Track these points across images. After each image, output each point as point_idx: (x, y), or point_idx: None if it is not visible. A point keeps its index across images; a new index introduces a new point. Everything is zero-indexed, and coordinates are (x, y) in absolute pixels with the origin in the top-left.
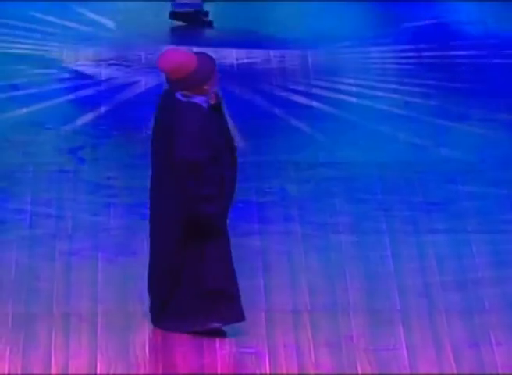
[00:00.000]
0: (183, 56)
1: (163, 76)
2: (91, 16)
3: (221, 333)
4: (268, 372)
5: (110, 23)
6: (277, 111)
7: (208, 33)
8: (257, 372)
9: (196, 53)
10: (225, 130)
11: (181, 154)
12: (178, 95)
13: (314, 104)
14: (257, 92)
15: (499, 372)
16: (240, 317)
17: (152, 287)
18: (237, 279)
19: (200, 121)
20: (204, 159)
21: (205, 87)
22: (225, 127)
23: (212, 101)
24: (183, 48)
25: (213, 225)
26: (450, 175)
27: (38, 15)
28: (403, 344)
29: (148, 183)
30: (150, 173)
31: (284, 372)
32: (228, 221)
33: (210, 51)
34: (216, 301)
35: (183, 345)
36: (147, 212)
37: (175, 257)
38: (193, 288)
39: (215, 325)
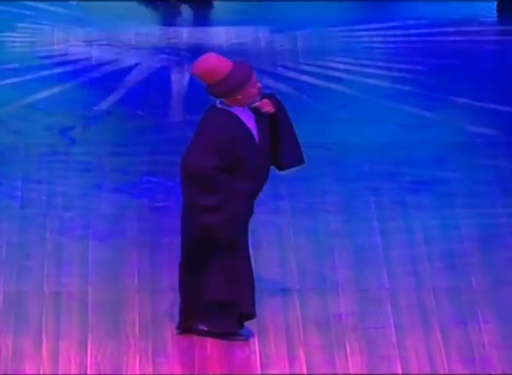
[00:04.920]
0: (216, 61)
1: (155, 58)
2: None
3: (205, 333)
4: (257, 350)
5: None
6: (266, 92)
7: (198, 13)
8: (247, 350)
9: (233, 61)
10: (262, 146)
11: (186, 159)
12: (217, 103)
13: (303, 85)
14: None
15: (486, 349)
16: (235, 328)
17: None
18: (246, 290)
19: (219, 131)
20: (207, 169)
21: (238, 97)
22: (266, 143)
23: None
24: (215, 54)
25: (216, 236)
26: (438, 155)
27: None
28: (392, 323)
29: (138, 163)
30: (141, 151)
31: (273, 350)
32: (247, 236)
33: (200, 31)
34: (214, 310)
35: (173, 323)
36: (138, 192)
37: (183, 263)
38: (193, 297)
39: (201, 326)
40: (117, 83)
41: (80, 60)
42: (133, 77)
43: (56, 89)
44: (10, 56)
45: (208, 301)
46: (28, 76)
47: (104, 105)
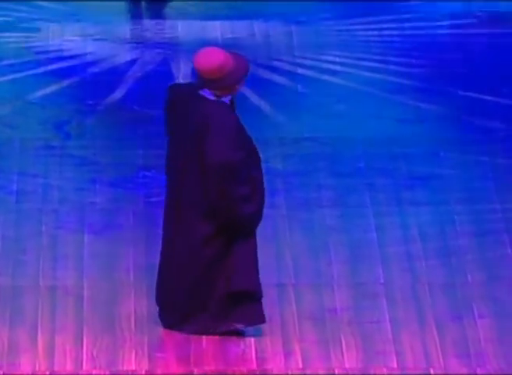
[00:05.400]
0: (221, 57)
1: (151, 52)
2: None
3: (240, 333)
4: (252, 345)
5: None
6: (262, 85)
7: (193, 7)
8: (242, 345)
9: (232, 53)
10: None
11: (218, 156)
12: (206, 94)
13: (299, 79)
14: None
15: (482, 344)
16: (262, 319)
17: (168, 292)
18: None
19: (236, 121)
20: (241, 159)
21: (237, 87)
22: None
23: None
24: (218, 48)
25: (252, 225)
26: (433, 149)
27: None
28: (387, 317)
29: (133, 158)
30: (136, 145)
31: (269, 345)
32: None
33: (195, 25)
34: (240, 302)
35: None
36: (133, 186)
37: (199, 258)
38: (218, 289)
39: (238, 326)
40: (112, 78)
41: (75, 55)
42: (129, 72)
43: (51, 84)
44: (5, 52)
45: (236, 293)
46: (23, 72)
47: (100, 99)
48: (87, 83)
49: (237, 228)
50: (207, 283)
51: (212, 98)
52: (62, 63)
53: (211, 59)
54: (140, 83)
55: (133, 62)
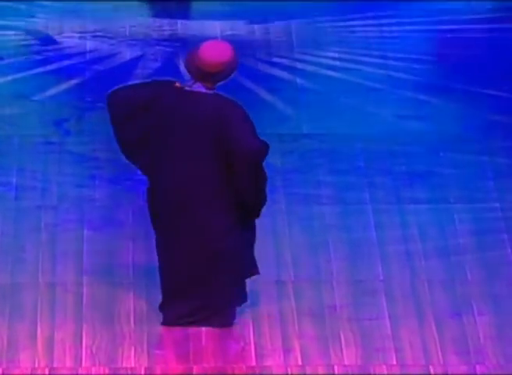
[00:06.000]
0: (230, 53)
1: (148, 49)
2: None
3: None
4: (251, 342)
5: None
6: (261, 83)
7: (192, 4)
8: (241, 342)
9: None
10: None
11: (251, 145)
12: (199, 88)
13: (298, 76)
14: (241, 64)
15: (481, 341)
16: (246, 298)
17: (187, 288)
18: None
19: (246, 111)
20: (267, 147)
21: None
22: None
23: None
24: (224, 41)
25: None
26: (433, 146)
27: None
28: (386, 314)
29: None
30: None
31: (268, 342)
32: None
33: (194, 22)
34: (243, 286)
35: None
36: (132, 183)
37: (221, 246)
38: (234, 275)
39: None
40: (112, 75)
41: (75, 52)
42: (127, 69)
43: (51, 81)
44: (5, 49)
45: (245, 276)
46: (23, 69)
47: (99, 96)
48: (87, 80)
49: (255, 213)
50: (223, 273)
51: (205, 90)
52: (61, 60)
53: (221, 53)
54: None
55: (133, 59)
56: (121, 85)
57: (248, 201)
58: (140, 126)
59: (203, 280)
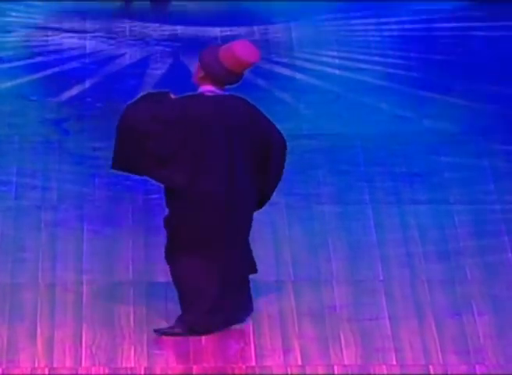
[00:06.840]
0: (258, 51)
1: (148, 49)
2: None
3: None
4: (251, 342)
5: None
6: (261, 82)
7: (191, 7)
8: (241, 342)
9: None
10: None
11: (281, 136)
12: (218, 91)
13: (298, 76)
14: None
15: (481, 341)
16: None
17: (236, 289)
18: None
19: None
20: None
21: None
22: None
23: None
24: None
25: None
26: (433, 146)
27: None
28: (386, 314)
29: None
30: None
31: (268, 342)
32: None
33: (193, 23)
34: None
35: (168, 315)
36: (132, 184)
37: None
38: (248, 272)
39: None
40: (111, 75)
41: (74, 52)
42: (127, 69)
43: (51, 81)
44: (4, 50)
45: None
46: (22, 69)
47: (99, 96)
48: (86, 80)
49: (266, 202)
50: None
51: (225, 93)
52: (61, 61)
53: (253, 53)
54: (138, 82)
55: (133, 59)
56: (132, 102)
57: (273, 188)
58: (173, 140)
59: (245, 279)
